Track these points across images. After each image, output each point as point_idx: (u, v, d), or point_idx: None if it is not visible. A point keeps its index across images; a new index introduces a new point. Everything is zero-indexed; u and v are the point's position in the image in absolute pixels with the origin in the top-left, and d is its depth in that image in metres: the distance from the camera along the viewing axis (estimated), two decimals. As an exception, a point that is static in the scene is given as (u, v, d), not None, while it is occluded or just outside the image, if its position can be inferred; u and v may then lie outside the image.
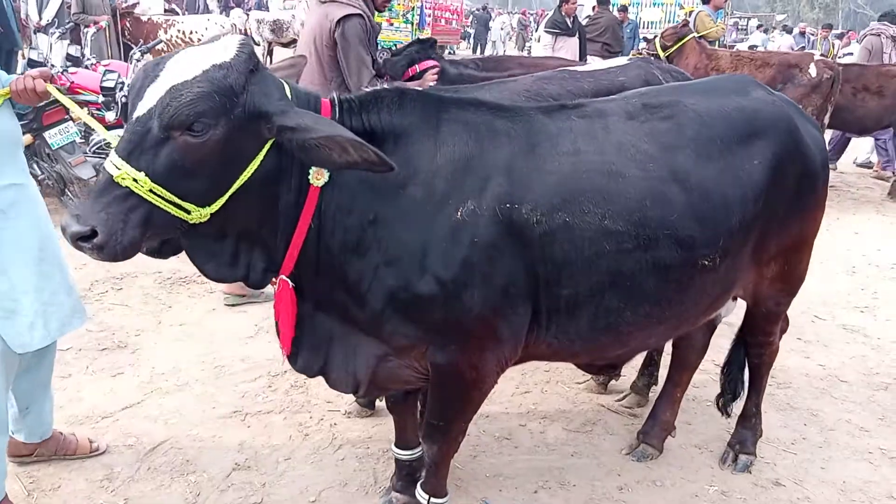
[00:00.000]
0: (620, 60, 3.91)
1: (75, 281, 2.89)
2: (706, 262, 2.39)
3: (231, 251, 2.10)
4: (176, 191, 1.86)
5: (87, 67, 6.91)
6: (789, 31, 21.80)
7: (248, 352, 4.14)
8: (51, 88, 2.38)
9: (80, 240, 1.82)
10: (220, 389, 3.73)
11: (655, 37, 9.03)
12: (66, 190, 6.22)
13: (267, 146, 1.96)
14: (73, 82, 5.86)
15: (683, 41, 8.01)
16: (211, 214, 1.95)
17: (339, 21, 3.92)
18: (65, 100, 2.51)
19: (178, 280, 5.14)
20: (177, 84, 1.82)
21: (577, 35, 9.56)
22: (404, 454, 2.80)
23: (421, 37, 5.06)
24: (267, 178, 2.00)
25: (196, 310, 4.70)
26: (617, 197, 2.23)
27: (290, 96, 2.01)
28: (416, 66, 4.30)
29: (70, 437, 3.10)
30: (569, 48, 9.38)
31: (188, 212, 1.91)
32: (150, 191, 1.83)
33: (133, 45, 8.69)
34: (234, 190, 1.94)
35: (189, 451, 3.20)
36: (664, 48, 8.37)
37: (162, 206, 1.86)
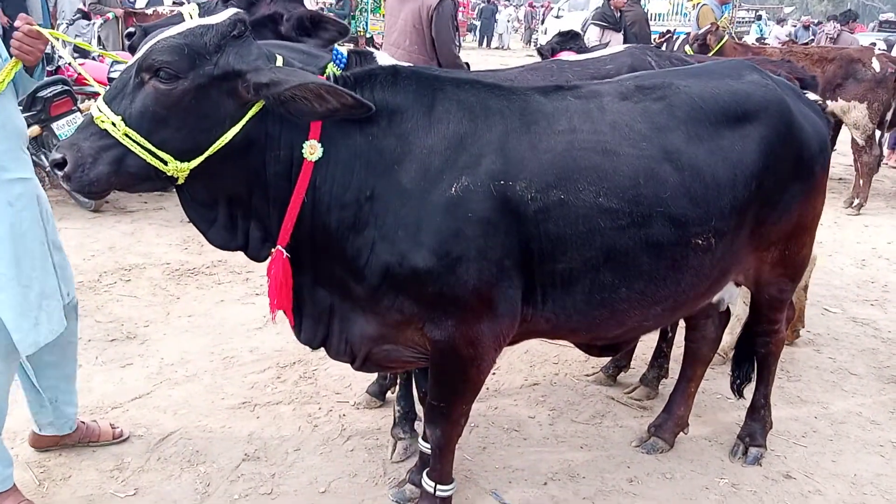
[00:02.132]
0: (613, 49, 3.87)
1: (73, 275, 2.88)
2: (699, 242, 2.42)
3: (226, 217, 2.19)
4: (152, 138, 1.98)
5: (94, 59, 6.91)
6: (779, 23, 21.85)
7: (256, 343, 4.15)
8: (42, 29, 2.37)
9: (55, 167, 2.00)
10: (228, 380, 3.74)
11: (685, 42, 8.64)
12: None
13: (251, 112, 2.04)
14: (79, 73, 5.85)
15: (721, 43, 7.77)
16: (194, 173, 2.04)
17: (436, 6, 4.74)
18: (52, 38, 2.46)
19: (186, 271, 5.15)
20: (161, 38, 1.98)
21: (622, 30, 9.36)
22: (429, 447, 2.80)
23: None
24: (251, 144, 2.07)
25: (205, 301, 4.70)
26: (611, 175, 2.27)
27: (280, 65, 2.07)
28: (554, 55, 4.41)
29: (93, 425, 3.13)
30: (615, 42, 9.20)
31: (164, 162, 2.00)
32: (126, 135, 1.96)
33: (140, 40, 8.66)
34: (214, 149, 2.02)
35: (198, 441, 3.20)
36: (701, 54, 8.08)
37: (136, 151, 1.97)
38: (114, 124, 1.95)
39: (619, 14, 9.32)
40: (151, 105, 1.97)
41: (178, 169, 2.01)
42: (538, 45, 4.90)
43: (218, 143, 2.02)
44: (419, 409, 3.28)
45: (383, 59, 2.93)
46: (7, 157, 2.46)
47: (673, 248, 2.38)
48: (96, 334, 4.13)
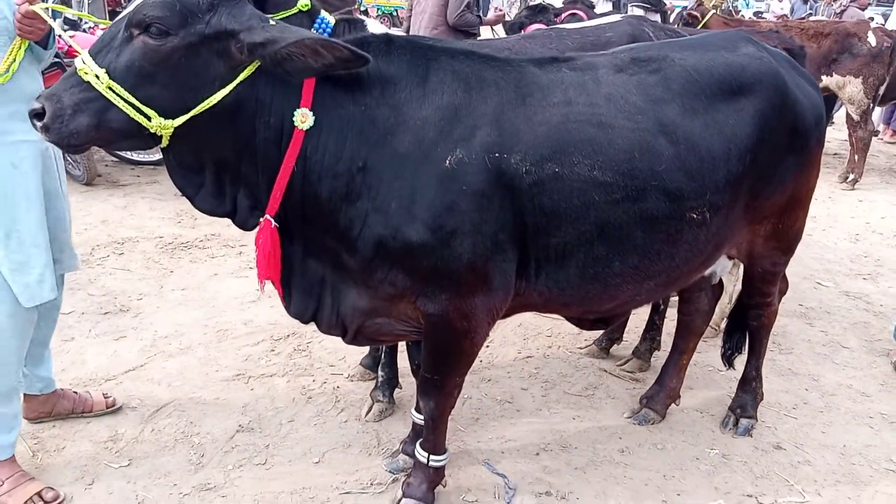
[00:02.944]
0: (611, 18, 3.84)
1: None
2: (694, 216, 2.41)
3: (214, 182, 2.16)
4: (137, 93, 1.94)
5: (84, 31, 6.82)
6: None
7: (250, 316, 4.15)
8: (36, 8, 2.34)
9: (34, 117, 1.95)
10: (222, 353, 3.74)
11: (679, 16, 8.63)
12: (66, 156, 6.18)
13: (242, 74, 2.00)
14: (70, 45, 5.78)
15: (705, 20, 7.74)
16: (179, 134, 2.00)
17: None
18: (49, 18, 2.47)
19: (179, 245, 5.13)
20: None
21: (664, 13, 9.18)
22: (423, 418, 2.82)
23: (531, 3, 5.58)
24: (241, 107, 2.03)
25: (198, 274, 4.70)
26: (606, 147, 2.25)
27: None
28: (524, 29, 4.63)
29: (85, 395, 3.14)
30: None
31: (148, 118, 1.96)
32: (109, 88, 1.92)
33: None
34: (201, 108, 1.98)
35: (192, 413, 3.22)
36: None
37: (119, 104, 1.93)
38: (97, 77, 1.91)
39: None
40: (139, 60, 1.93)
41: (162, 126, 1.97)
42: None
43: (204, 103, 1.98)
44: (403, 380, 3.32)
45: (374, 27, 2.89)
46: (12, 120, 2.46)
47: (667, 222, 2.36)
48: (89, 307, 4.13)
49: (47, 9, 2.39)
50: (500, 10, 5.68)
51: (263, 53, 1.94)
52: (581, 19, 4.56)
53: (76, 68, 1.95)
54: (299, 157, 2.09)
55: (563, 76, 2.32)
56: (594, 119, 2.25)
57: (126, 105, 1.93)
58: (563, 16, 4.69)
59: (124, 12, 1.99)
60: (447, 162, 2.10)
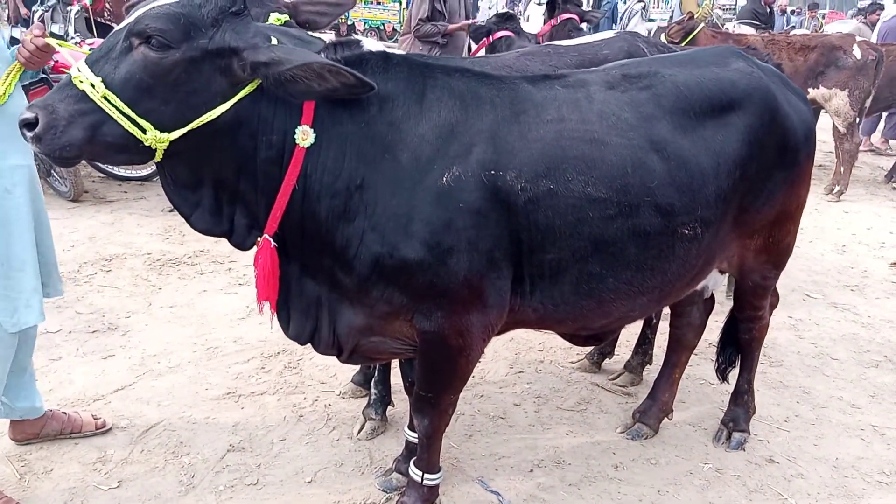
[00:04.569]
0: (606, 34, 3.88)
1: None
2: (686, 231, 2.42)
3: (211, 201, 2.13)
4: (134, 106, 1.90)
5: (74, 45, 6.79)
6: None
7: (239, 333, 4.12)
8: (50, 40, 2.34)
9: (25, 127, 1.90)
10: (212, 371, 3.71)
11: (662, 32, 8.73)
12: (53, 171, 6.14)
13: (243, 92, 1.98)
14: (57, 61, 5.75)
15: (694, 34, 7.79)
16: (176, 150, 1.97)
17: None
18: (65, 50, 2.47)
19: (167, 262, 5.09)
20: (155, 4, 1.91)
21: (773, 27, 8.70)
22: (416, 436, 2.79)
23: (500, 10, 5.74)
24: (241, 125, 2.01)
25: (186, 291, 4.66)
26: (599, 164, 2.26)
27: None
28: (491, 36, 4.78)
29: (74, 416, 3.09)
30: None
31: (143, 130, 1.92)
32: (104, 98, 1.88)
33: (114, 25, 8.54)
34: (199, 123, 1.95)
35: (183, 432, 3.18)
36: (673, 44, 8.14)
37: (114, 116, 1.89)
38: (93, 86, 1.88)
39: (769, 10, 8.61)
40: (137, 72, 1.90)
41: (157, 139, 1.93)
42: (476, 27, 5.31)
43: (202, 118, 1.95)
44: (396, 397, 3.29)
45: (370, 45, 2.89)
46: (8, 143, 2.45)
47: (660, 237, 2.37)
48: (77, 326, 4.08)
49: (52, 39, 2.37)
50: (469, 20, 5.94)
51: (267, 73, 1.92)
52: (512, 40, 4.67)
53: (71, 77, 1.91)
54: (300, 176, 2.07)
55: (556, 93, 2.33)
56: (587, 136, 2.26)
57: (121, 117, 1.90)
58: (496, 36, 4.76)
59: (123, 23, 1.95)
60: (444, 179, 2.10)
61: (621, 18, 10.39)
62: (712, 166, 2.44)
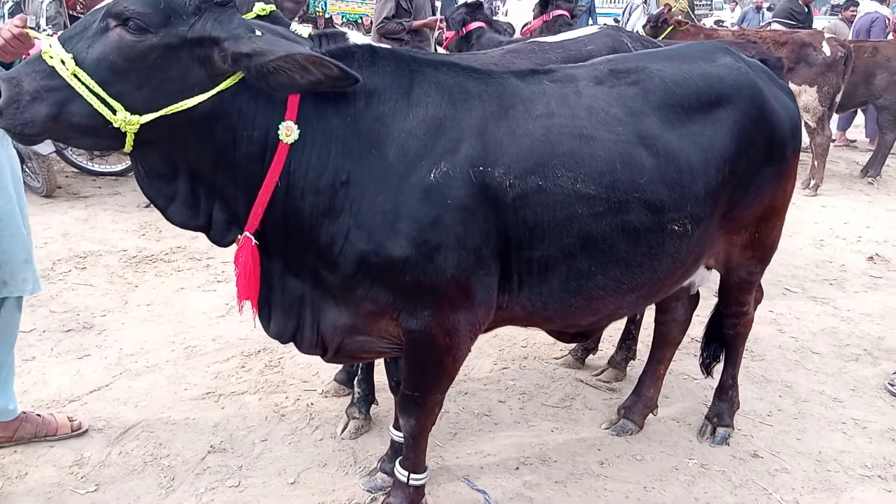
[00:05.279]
0: (589, 30, 3.86)
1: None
2: (676, 228, 2.41)
3: (187, 194, 2.06)
4: (105, 87, 1.84)
5: (50, 35, 6.65)
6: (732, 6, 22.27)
7: (219, 331, 4.05)
8: (30, 31, 2.25)
9: None
10: (191, 370, 3.64)
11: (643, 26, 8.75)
12: (25, 166, 6.00)
13: (224, 84, 1.92)
14: (28, 52, 5.62)
15: (669, 28, 7.84)
16: (148, 138, 1.90)
17: None
18: (43, 38, 2.38)
19: (144, 258, 5.00)
20: None
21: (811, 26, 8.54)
22: (401, 436, 2.76)
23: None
24: (219, 118, 1.95)
25: (164, 289, 4.58)
26: (588, 160, 2.23)
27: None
28: (465, 28, 4.94)
29: (49, 418, 3.02)
30: None
31: (113, 111, 1.85)
32: (74, 75, 1.81)
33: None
34: (171, 111, 1.88)
35: (161, 434, 3.11)
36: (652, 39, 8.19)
37: (83, 94, 1.82)
38: (63, 62, 1.81)
39: (807, 9, 8.36)
40: (111, 54, 1.83)
41: (127, 122, 1.85)
42: (446, 15, 5.37)
43: (175, 106, 1.88)
44: (380, 396, 3.25)
45: (356, 38, 2.84)
46: None
47: (649, 234, 2.35)
48: (51, 325, 3.99)
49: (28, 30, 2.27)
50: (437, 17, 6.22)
51: (248, 65, 1.86)
52: (483, 31, 4.80)
53: (41, 52, 1.84)
54: (283, 173, 2.02)
55: (545, 88, 2.30)
56: (576, 131, 2.23)
57: (91, 95, 1.82)
58: (470, 27, 4.87)
59: (102, 3, 1.88)
60: (431, 175, 2.06)
61: (623, 13, 10.37)
62: (701, 162, 2.43)
